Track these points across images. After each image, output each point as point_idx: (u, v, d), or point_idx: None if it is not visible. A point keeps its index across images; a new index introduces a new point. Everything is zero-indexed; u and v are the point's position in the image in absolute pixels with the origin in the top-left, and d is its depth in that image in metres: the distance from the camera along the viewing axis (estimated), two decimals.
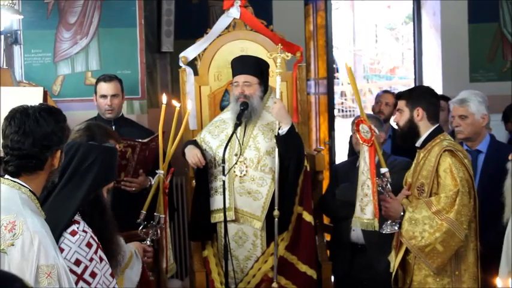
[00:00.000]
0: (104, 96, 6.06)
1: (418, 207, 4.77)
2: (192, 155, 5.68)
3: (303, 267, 5.78)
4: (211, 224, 5.76)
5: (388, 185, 4.83)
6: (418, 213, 4.74)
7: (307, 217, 5.81)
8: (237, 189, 5.71)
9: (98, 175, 3.56)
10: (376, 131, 5.21)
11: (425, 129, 4.99)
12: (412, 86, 9.16)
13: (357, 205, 4.86)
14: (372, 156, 4.74)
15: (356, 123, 4.79)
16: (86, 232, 3.42)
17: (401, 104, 5.08)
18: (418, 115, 4.99)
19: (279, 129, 5.61)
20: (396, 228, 4.79)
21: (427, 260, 4.75)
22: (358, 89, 4.98)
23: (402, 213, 4.78)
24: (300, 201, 5.80)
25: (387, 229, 4.85)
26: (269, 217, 5.66)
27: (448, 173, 4.76)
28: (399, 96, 5.20)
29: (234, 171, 5.70)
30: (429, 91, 5.23)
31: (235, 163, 5.67)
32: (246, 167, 5.71)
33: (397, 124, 5.16)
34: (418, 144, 5.03)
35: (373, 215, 4.71)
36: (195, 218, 5.88)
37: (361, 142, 4.77)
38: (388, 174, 4.83)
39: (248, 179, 5.70)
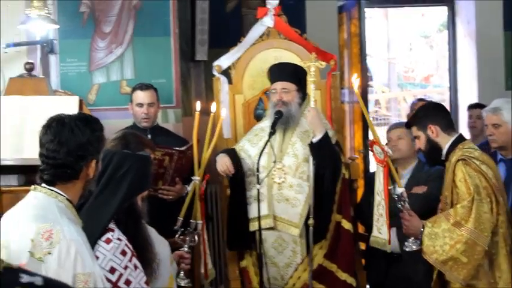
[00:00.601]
0: (140, 105, 6.08)
1: (437, 222, 4.75)
2: (222, 163, 5.68)
3: (343, 276, 5.76)
4: (250, 232, 5.75)
5: (407, 204, 4.82)
6: (438, 227, 4.72)
7: (346, 225, 5.79)
8: (275, 196, 5.70)
9: (133, 183, 3.58)
10: (410, 139, 5.20)
11: (446, 142, 4.98)
12: (447, 94, 9.11)
13: (373, 225, 4.88)
14: (386, 176, 4.75)
15: (370, 145, 4.81)
16: (120, 240, 3.43)
17: (414, 130, 5.11)
18: (432, 132, 4.98)
19: (312, 137, 5.61)
20: (415, 246, 4.78)
21: (452, 273, 4.71)
22: (368, 116, 5.11)
23: (422, 229, 4.75)
24: (338, 209, 5.78)
25: (410, 247, 4.83)
26: (307, 224, 5.65)
27: (463, 182, 4.74)
28: (408, 125, 5.22)
29: (273, 178, 5.70)
30: (432, 105, 5.27)
31: (271, 170, 5.66)
32: (285, 173, 5.70)
33: (420, 150, 5.17)
34: (443, 157, 5.01)
35: (388, 236, 4.75)
36: (233, 227, 5.87)
37: (376, 163, 4.78)
38: (405, 194, 4.83)
39: (286, 186, 5.69)
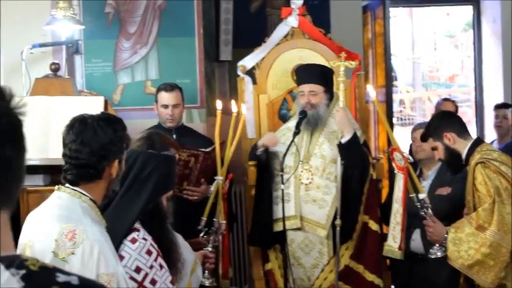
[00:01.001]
0: (165, 106, 6.08)
1: (460, 227, 4.73)
2: (267, 137, 5.72)
3: (370, 276, 5.74)
4: (276, 233, 5.74)
5: (429, 210, 4.79)
6: (461, 232, 4.69)
7: (374, 226, 5.78)
8: (302, 197, 5.69)
9: (158, 183, 3.59)
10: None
11: (463, 147, 4.96)
12: (472, 93, 9.07)
13: (389, 233, 4.87)
14: (405, 184, 4.73)
15: (390, 151, 4.80)
16: (146, 240, 3.45)
17: (431, 142, 5.10)
18: (449, 140, 4.95)
19: (341, 138, 5.60)
20: (439, 253, 4.75)
21: (479, 277, 4.68)
22: (387, 124, 5.05)
23: (446, 235, 4.73)
24: (365, 209, 5.77)
25: (435, 254, 4.81)
26: (334, 225, 5.64)
27: (483, 185, 4.71)
28: (424, 138, 5.20)
29: (300, 179, 5.70)
30: (443, 114, 5.26)
31: (297, 170, 5.66)
32: (312, 174, 5.70)
33: (440, 160, 5.15)
34: (464, 162, 4.99)
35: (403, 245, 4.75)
36: (257, 224, 5.87)
37: (396, 170, 4.76)
38: (427, 200, 4.81)
39: (314, 187, 5.69)
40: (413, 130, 6.27)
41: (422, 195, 4.80)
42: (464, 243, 4.66)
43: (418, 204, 4.82)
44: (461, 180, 5.33)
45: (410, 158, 5.00)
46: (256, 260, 5.93)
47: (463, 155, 4.94)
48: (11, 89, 1.54)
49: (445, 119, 5.15)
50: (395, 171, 4.87)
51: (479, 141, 5.03)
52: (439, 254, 4.79)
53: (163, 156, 3.75)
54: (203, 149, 5.63)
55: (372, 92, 5.02)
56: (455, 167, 5.11)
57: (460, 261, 4.68)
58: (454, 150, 4.96)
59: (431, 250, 4.83)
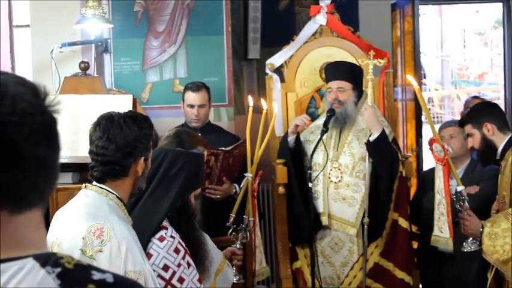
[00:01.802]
0: (191, 106, 6.10)
1: (496, 221, 4.69)
2: (301, 117, 5.72)
3: (401, 274, 5.72)
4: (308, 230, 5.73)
5: (466, 203, 4.75)
6: (497, 227, 4.65)
7: (403, 223, 5.75)
8: (331, 195, 5.68)
9: (186, 181, 3.60)
10: (462, 138, 5.15)
11: (501, 141, 4.92)
12: (502, 91, 9.00)
13: (434, 224, 4.82)
14: (446, 175, 4.69)
15: (429, 143, 4.75)
16: (173, 238, 3.46)
17: (468, 128, 5.04)
18: (488, 130, 4.92)
19: (369, 135, 5.59)
20: (474, 246, 4.71)
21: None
22: (429, 114, 4.99)
23: (481, 229, 4.70)
24: (395, 207, 5.74)
25: (469, 247, 4.78)
26: (363, 223, 5.63)
27: None
28: (462, 123, 5.15)
29: (329, 178, 5.70)
30: (488, 104, 5.21)
31: (326, 167, 5.65)
32: (341, 173, 5.69)
33: (472, 149, 5.10)
34: (498, 157, 4.95)
35: (450, 234, 4.68)
36: (294, 222, 5.86)
37: (435, 161, 4.72)
38: (464, 192, 4.77)
39: (343, 185, 5.68)
40: (441, 128, 6.23)
41: (460, 188, 4.76)
42: (500, 238, 4.63)
43: (454, 196, 4.79)
44: (490, 179, 5.30)
45: (450, 149, 4.96)
46: (283, 259, 5.93)
47: (499, 149, 4.91)
48: (45, 86, 1.54)
49: (489, 109, 5.11)
50: (435, 162, 4.83)
51: None
52: (473, 248, 4.76)
53: (191, 154, 3.76)
54: (223, 148, 5.63)
55: (413, 81, 4.97)
56: (487, 159, 5.07)
57: (495, 256, 4.65)
58: (491, 142, 4.93)
59: (465, 244, 4.79)
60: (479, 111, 5.13)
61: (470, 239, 4.77)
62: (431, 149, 4.78)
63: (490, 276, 4.93)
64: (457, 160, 5.93)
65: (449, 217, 4.71)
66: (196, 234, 3.70)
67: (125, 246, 3.09)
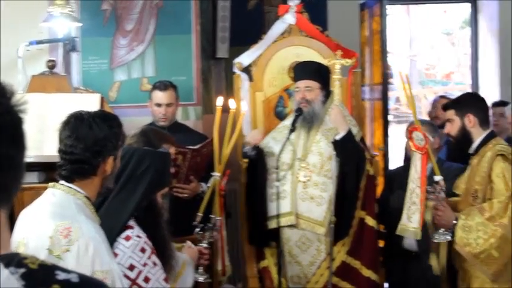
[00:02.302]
0: (159, 105, 6.10)
1: (471, 214, 4.73)
2: (252, 134, 5.74)
3: (367, 272, 5.76)
4: (272, 230, 5.75)
5: (442, 193, 4.78)
6: (471, 220, 4.70)
7: (370, 221, 5.79)
8: (299, 194, 5.70)
9: (152, 180, 3.60)
10: (430, 137, 5.18)
11: (478, 135, 4.96)
12: (469, 91, 9.07)
13: (403, 213, 4.84)
14: (424, 164, 4.70)
15: (409, 131, 4.76)
16: (140, 237, 3.45)
17: (450, 113, 5.05)
18: (469, 122, 4.95)
19: (336, 135, 5.61)
20: (449, 237, 4.74)
21: (482, 267, 4.71)
22: (413, 95, 4.93)
23: (455, 221, 4.73)
24: (362, 205, 5.77)
25: (440, 238, 4.81)
26: (329, 222, 5.64)
27: (501, 177, 4.72)
28: (446, 107, 5.16)
29: (297, 177, 5.71)
30: (477, 97, 5.22)
31: (292, 166, 5.67)
32: (310, 172, 5.71)
33: (448, 134, 5.12)
34: (471, 150, 4.99)
35: (419, 224, 4.68)
36: (253, 223, 5.88)
37: (413, 149, 4.73)
38: (442, 183, 4.78)
39: (311, 185, 5.69)
40: (407, 129, 6.25)
41: (438, 178, 4.78)
42: (473, 232, 4.67)
43: (429, 187, 4.81)
44: (454, 178, 5.33)
45: (430, 137, 4.96)
46: (250, 258, 5.94)
47: (475, 143, 4.95)
48: (12, 86, 1.53)
49: (476, 102, 5.14)
50: (412, 150, 4.83)
51: (494, 134, 5.04)
52: (443, 239, 4.78)
53: (158, 152, 3.76)
54: (191, 147, 5.63)
55: (405, 79, 4.92)
56: (460, 149, 5.09)
57: (468, 249, 4.69)
58: (469, 134, 4.97)
59: (436, 235, 4.81)
60: (466, 100, 5.16)
61: (442, 229, 4.80)
62: (410, 137, 4.77)
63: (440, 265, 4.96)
64: None
65: (423, 207, 4.70)
66: (163, 234, 3.69)
67: (92, 246, 3.08)
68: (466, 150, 5.02)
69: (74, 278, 1.50)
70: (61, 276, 1.48)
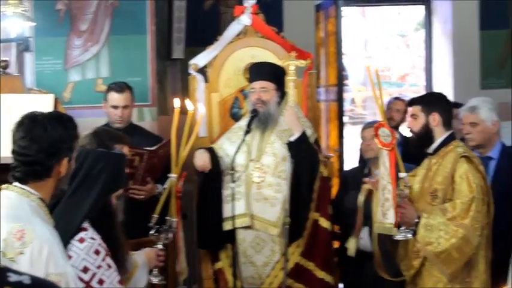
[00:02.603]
0: (115, 107, 6.04)
1: (433, 213, 4.77)
2: (199, 158, 5.71)
3: (321, 274, 5.79)
4: (226, 232, 5.75)
5: (406, 190, 4.79)
6: (433, 219, 4.74)
7: (324, 223, 5.82)
8: (253, 195, 5.70)
9: (107, 182, 3.57)
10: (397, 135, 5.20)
11: (440, 135, 5.01)
12: (423, 93, 9.14)
13: (378, 210, 4.83)
14: (393, 160, 4.70)
15: (375, 127, 4.75)
16: (94, 239, 3.43)
17: (416, 109, 5.08)
18: (434, 120, 5.00)
19: (291, 136, 5.62)
20: (409, 235, 4.76)
21: (442, 266, 4.75)
22: (382, 92, 4.93)
23: (417, 220, 4.76)
24: (316, 207, 5.80)
25: (400, 235, 4.82)
26: (284, 223, 5.64)
27: (464, 179, 4.77)
28: (413, 102, 5.20)
29: (251, 178, 5.71)
30: (444, 97, 5.27)
31: (247, 167, 5.67)
32: (264, 173, 5.71)
33: (411, 130, 5.14)
34: (430, 150, 5.03)
35: (395, 220, 4.69)
36: (205, 226, 5.87)
37: (380, 146, 4.73)
38: (407, 179, 4.80)
39: (265, 185, 5.70)
40: (363, 129, 6.30)
41: (403, 174, 4.79)
42: (435, 231, 4.71)
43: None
44: None
45: (397, 135, 4.97)
46: (205, 259, 5.94)
47: (435, 143, 4.99)
48: None
49: (443, 102, 5.18)
50: (379, 147, 4.82)
51: (454, 136, 5.09)
52: (403, 236, 4.78)
53: (113, 154, 3.73)
54: (148, 148, 5.60)
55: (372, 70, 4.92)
56: (420, 145, 5.11)
57: (429, 248, 4.73)
58: (431, 132, 5.01)
59: (397, 232, 4.82)
60: (433, 98, 5.20)
61: (404, 227, 4.82)
62: (376, 134, 4.77)
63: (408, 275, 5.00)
64: (378, 160, 5.98)
65: (395, 202, 4.69)
66: (117, 235, 3.67)
67: (46, 249, 3.05)
68: (425, 148, 5.06)
69: (26, 280, 1.49)
70: (13, 278, 1.47)
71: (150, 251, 4.40)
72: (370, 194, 5.29)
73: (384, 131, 4.74)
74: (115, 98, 6.05)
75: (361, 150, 6.46)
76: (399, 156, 4.82)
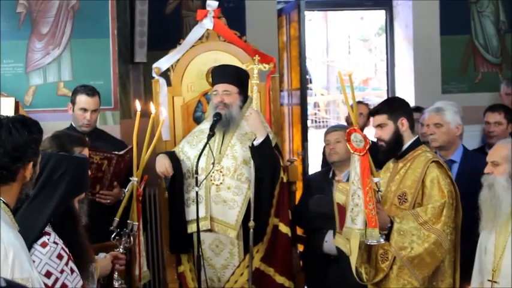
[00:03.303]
0: (84, 110, 5.96)
1: (405, 218, 4.78)
2: (161, 164, 5.68)
3: (281, 279, 5.79)
4: (189, 235, 5.74)
5: (378, 195, 4.79)
6: (406, 224, 4.75)
7: (284, 229, 5.82)
8: (213, 197, 5.69)
9: (69, 186, 3.54)
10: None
11: (408, 139, 5.04)
12: (385, 97, 9.19)
13: (347, 215, 4.82)
14: (365, 165, 4.69)
15: (348, 133, 4.72)
16: (56, 244, 3.40)
17: (382, 118, 5.07)
18: (402, 125, 5.02)
19: (254, 140, 5.61)
20: (382, 240, 4.75)
21: (415, 271, 4.76)
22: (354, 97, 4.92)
23: (390, 225, 4.77)
24: (276, 212, 5.80)
25: (373, 240, 4.82)
26: (246, 227, 5.64)
27: (435, 184, 4.80)
28: (376, 112, 5.18)
29: (211, 180, 5.70)
30: (405, 101, 5.30)
31: (209, 172, 5.66)
32: (223, 175, 5.70)
33: (380, 139, 5.13)
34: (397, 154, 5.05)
35: (364, 225, 4.67)
36: (174, 230, 5.86)
37: (352, 152, 4.71)
38: (379, 184, 4.80)
39: (224, 188, 5.69)
40: (327, 133, 6.30)
41: (376, 179, 4.79)
42: (408, 236, 4.72)
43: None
44: None
45: (369, 140, 4.97)
46: (169, 263, 5.92)
47: (404, 147, 5.01)
48: None
49: (406, 106, 5.20)
50: (351, 152, 4.80)
51: (420, 140, 5.12)
52: (377, 241, 4.76)
53: (75, 158, 3.70)
54: (117, 152, 5.57)
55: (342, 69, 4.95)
56: (392, 152, 5.12)
57: (403, 253, 4.73)
58: (401, 137, 5.02)
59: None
60: (398, 105, 5.20)
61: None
62: (348, 139, 4.75)
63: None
64: (342, 164, 6.01)
65: (368, 207, 4.67)
66: (80, 240, 3.64)
67: (12, 253, 3.01)
68: (396, 154, 5.08)
69: (2, 283, 1.48)
70: None
71: (102, 259, 4.36)
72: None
73: (357, 136, 4.73)
74: (85, 101, 5.97)
75: (325, 154, 6.47)
76: (371, 162, 4.82)
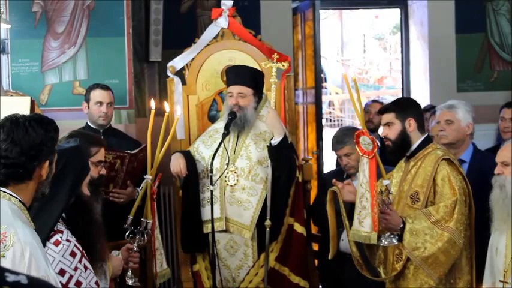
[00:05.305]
0: (100, 103, 6.03)
1: (417, 218, 4.76)
2: (176, 165, 5.68)
3: (296, 279, 5.79)
4: (204, 234, 5.74)
5: (390, 197, 4.78)
6: (418, 224, 4.73)
7: (299, 228, 5.81)
8: (227, 198, 5.69)
9: (74, 177, 3.56)
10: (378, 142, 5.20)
11: (417, 139, 5.02)
12: (400, 95, 9.17)
13: (354, 218, 4.81)
14: (373, 168, 4.68)
15: (356, 135, 4.72)
16: (69, 241, 3.41)
17: (390, 117, 5.07)
18: (410, 126, 5.00)
19: (271, 139, 5.60)
20: (395, 241, 4.75)
21: (430, 271, 4.75)
22: (360, 99, 4.93)
23: (402, 225, 4.76)
24: (291, 212, 5.79)
25: (386, 241, 4.81)
26: (260, 227, 5.65)
27: (446, 181, 4.78)
28: (385, 110, 5.18)
29: (226, 181, 5.69)
30: (415, 101, 5.28)
31: (224, 172, 5.65)
32: (237, 176, 5.69)
33: (386, 138, 5.13)
34: (408, 153, 5.04)
35: (371, 228, 4.67)
36: (187, 229, 5.86)
37: (361, 154, 4.71)
38: (390, 186, 4.79)
39: (239, 189, 5.69)
40: (335, 149, 6.21)
41: (386, 181, 4.78)
42: (421, 236, 4.70)
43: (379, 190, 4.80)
44: None
45: (378, 143, 4.97)
46: (184, 262, 5.93)
47: (413, 146, 5.00)
48: None
49: (415, 106, 5.19)
50: (360, 155, 4.80)
51: (431, 139, 5.11)
52: (387, 242, 4.76)
53: (71, 148, 3.71)
54: (129, 151, 5.59)
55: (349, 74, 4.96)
56: (400, 152, 5.12)
57: (416, 253, 4.72)
58: (408, 138, 5.01)
59: (382, 238, 4.78)
60: (407, 105, 5.20)
61: (388, 233, 4.80)
62: (357, 141, 4.75)
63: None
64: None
65: (374, 211, 4.67)
66: (94, 235, 3.65)
67: (28, 252, 3.02)
68: (404, 154, 5.07)
69: (23, 280, 1.49)
70: (10, 278, 1.47)
71: (114, 259, 4.37)
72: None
73: (365, 139, 4.73)
74: (100, 94, 6.05)
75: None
76: (381, 164, 4.81)
